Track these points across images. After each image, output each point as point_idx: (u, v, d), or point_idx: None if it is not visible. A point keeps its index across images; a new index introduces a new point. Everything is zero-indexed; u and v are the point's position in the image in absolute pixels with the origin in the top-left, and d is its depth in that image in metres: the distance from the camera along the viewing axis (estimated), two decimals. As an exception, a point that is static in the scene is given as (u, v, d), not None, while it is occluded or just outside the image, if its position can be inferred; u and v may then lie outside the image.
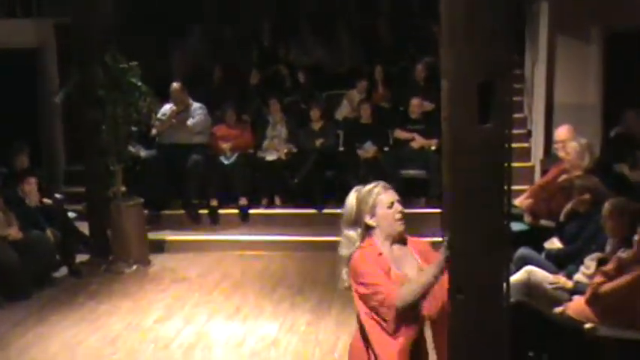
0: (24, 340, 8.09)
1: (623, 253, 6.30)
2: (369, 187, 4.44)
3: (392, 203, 4.35)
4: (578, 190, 7.83)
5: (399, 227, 4.35)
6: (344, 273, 4.46)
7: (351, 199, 4.48)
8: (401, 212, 4.35)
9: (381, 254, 4.31)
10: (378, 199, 4.36)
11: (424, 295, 4.10)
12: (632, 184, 8.88)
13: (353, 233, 4.45)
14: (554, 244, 8.07)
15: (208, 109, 12.40)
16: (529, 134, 12.58)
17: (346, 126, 12.80)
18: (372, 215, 4.37)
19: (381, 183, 4.47)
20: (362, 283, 4.26)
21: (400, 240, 4.39)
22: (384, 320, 4.18)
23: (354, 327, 4.52)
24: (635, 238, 6.23)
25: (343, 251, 4.49)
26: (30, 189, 10.04)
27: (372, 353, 4.30)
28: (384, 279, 4.19)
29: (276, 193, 12.21)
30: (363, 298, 4.28)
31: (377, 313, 4.22)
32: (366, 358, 4.34)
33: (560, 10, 10.71)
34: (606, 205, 6.86)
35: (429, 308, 4.21)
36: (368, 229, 4.41)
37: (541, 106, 11.14)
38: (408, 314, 4.16)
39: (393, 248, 4.37)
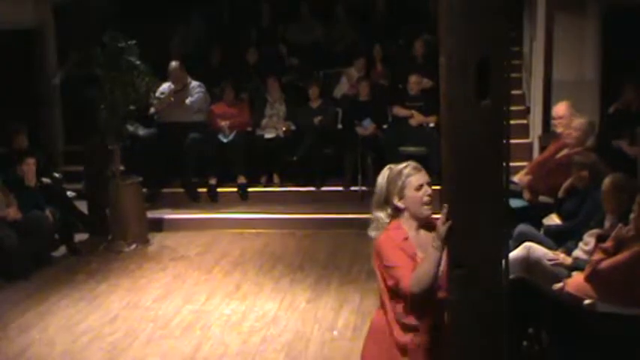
0: (23, 319, 8.11)
1: (621, 230, 6.29)
2: (399, 167, 4.33)
3: (421, 186, 4.26)
4: (576, 166, 7.83)
5: (426, 212, 4.26)
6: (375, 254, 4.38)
7: (382, 178, 4.38)
8: (429, 196, 4.27)
9: (407, 238, 4.24)
10: (407, 181, 4.26)
11: (437, 274, 4.02)
12: (630, 160, 8.87)
13: (382, 214, 4.36)
14: (553, 220, 8.08)
15: (207, 88, 12.39)
16: (527, 111, 12.58)
17: (345, 104, 12.79)
18: (400, 197, 4.28)
19: (412, 163, 4.35)
20: (384, 265, 4.22)
21: (428, 224, 4.31)
22: (401, 302, 4.16)
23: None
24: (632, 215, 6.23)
25: (372, 232, 4.40)
26: (28, 170, 10.01)
27: (390, 334, 4.28)
28: (405, 262, 4.14)
29: (275, 171, 12.21)
30: (386, 278, 4.24)
31: (395, 295, 4.20)
32: (384, 337, 4.32)
33: (559, -14, 10.68)
34: (606, 181, 6.86)
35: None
36: (396, 211, 4.32)
37: (539, 82, 11.13)
38: (425, 299, 4.12)
39: (420, 232, 4.30)
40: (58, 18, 13.14)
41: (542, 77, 10.88)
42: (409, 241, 4.24)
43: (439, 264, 3.98)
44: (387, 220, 4.34)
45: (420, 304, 4.11)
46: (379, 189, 4.38)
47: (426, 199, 4.25)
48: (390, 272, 4.18)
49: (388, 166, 4.43)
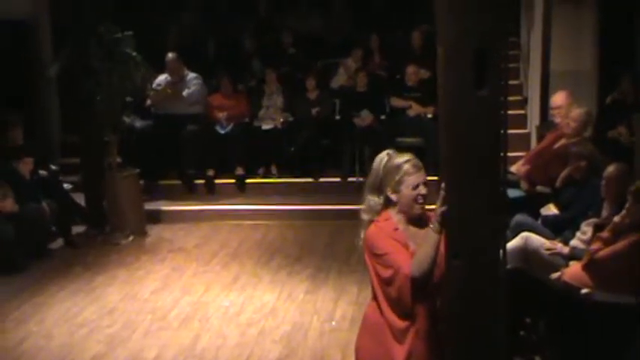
0: (20, 312, 8.10)
1: (617, 218, 6.29)
2: (400, 160, 4.27)
3: (417, 185, 4.21)
4: (574, 156, 7.83)
5: (417, 210, 4.23)
6: (362, 233, 4.35)
7: (380, 165, 4.33)
8: (424, 196, 4.23)
9: (397, 229, 4.22)
10: (405, 179, 4.21)
11: (436, 257, 3.98)
12: (626, 150, 8.86)
13: (376, 200, 4.32)
14: (551, 210, 8.09)
15: (204, 79, 12.36)
16: (525, 101, 12.57)
17: (342, 94, 12.78)
18: (395, 191, 4.23)
19: (413, 160, 4.28)
20: (377, 255, 4.18)
21: (419, 217, 4.28)
22: (400, 292, 4.14)
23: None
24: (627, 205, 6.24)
25: (364, 216, 4.37)
26: (26, 168, 10.00)
27: (385, 325, 4.26)
28: (399, 248, 4.12)
29: (273, 162, 12.21)
30: (378, 269, 4.20)
31: (392, 285, 4.15)
32: (379, 329, 4.29)
33: (556, -24, 10.65)
34: (610, 169, 6.85)
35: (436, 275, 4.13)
36: (388, 201, 4.29)
37: (537, 72, 11.10)
38: (425, 283, 4.08)
39: (409, 225, 4.27)
40: (53, 9, 13.09)
41: (540, 67, 10.86)
42: (400, 231, 4.22)
43: (438, 246, 3.96)
44: (380, 206, 4.31)
45: (419, 289, 4.09)
46: (374, 174, 4.34)
47: (419, 199, 4.22)
48: (384, 260, 4.15)
49: (386, 152, 4.38)
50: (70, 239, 10.34)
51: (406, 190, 4.22)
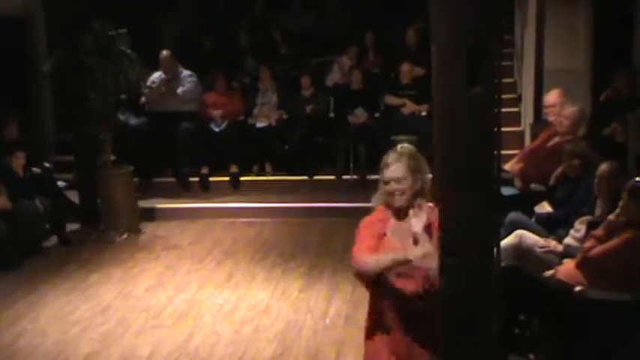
0: (14, 310, 8.09)
1: (611, 216, 6.30)
2: (389, 151, 4.39)
3: (389, 181, 4.28)
4: (567, 154, 7.84)
5: (395, 202, 4.27)
6: None
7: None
8: (394, 191, 4.26)
9: (381, 220, 4.28)
10: (383, 171, 4.33)
11: (382, 272, 4.09)
12: (620, 148, 8.88)
13: (380, 191, 4.41)
14: (545, 208, 8.11)
15: (198, 77, 12.35)
16: (519, 99, 12.58)
17: (337, 92, 12.77)
18: (382, 184, 4.36)
19: (394, 154, 4.34)
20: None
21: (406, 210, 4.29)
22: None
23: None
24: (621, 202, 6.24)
25: (372, 202, 4.48)
26: (18, 163, 9.99)
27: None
28: (366, 239, 4.21)
29: (267, 159, 12.22)
30: None
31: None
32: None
33: (549, -27, 10.66)
34: (603, 167, 6.85)
35: (405, 284, 4.16)
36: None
37: (530, 70, 11.11)
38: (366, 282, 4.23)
39: (398, 217, 4.31)
40: (47, 5, 13.07)
41: (534, 65, 10.87)
42: (383, 222, 4.28)
43: (392, 265, 4.05)
44: (382, 196, 4.37)
45: (372, 289, 4.24)
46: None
47: (396, 192, 4.27)
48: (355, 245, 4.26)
49: (400, 145, 4.48)
50: (64, 237, 10.33)
51: (383, 184, 4.33)
